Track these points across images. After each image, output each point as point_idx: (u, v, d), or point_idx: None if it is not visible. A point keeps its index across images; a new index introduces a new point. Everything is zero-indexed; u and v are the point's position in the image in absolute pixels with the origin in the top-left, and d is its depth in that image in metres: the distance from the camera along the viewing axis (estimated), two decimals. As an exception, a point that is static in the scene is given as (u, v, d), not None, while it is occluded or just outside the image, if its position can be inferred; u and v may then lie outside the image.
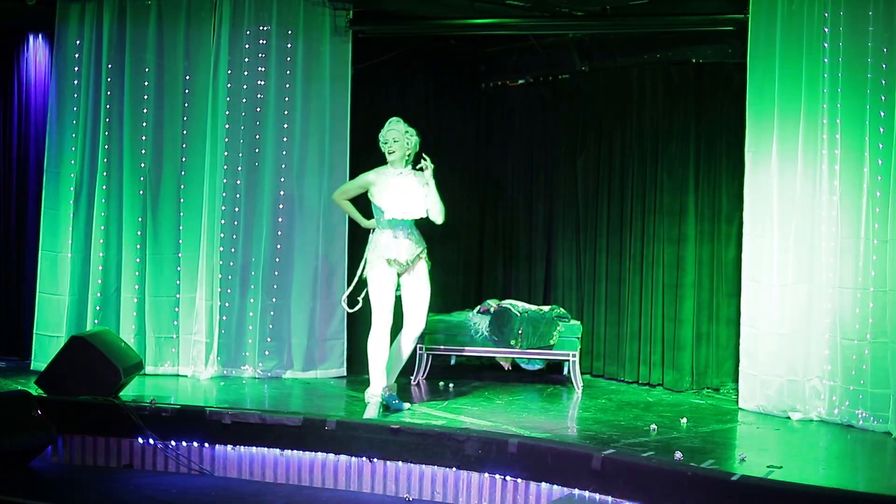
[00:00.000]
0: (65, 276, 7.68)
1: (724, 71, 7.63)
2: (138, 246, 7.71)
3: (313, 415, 6.17)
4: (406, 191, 6.61)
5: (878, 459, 5.78)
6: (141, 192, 7.72)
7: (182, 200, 7.74)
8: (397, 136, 6.63)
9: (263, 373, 7.70)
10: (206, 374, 7.60)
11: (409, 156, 6.71)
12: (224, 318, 7.66)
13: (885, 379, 6.10)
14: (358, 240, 7.30)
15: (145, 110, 7.71)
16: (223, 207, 7.67)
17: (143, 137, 7.71)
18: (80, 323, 7.63)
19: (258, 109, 7.71)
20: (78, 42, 7.74)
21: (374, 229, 6.79)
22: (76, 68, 7.75)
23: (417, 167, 6.64)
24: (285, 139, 7.76)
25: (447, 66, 9.10)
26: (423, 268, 6.73)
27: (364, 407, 6.55)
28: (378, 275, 6.59)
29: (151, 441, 6.29)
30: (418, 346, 7.64)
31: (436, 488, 5.79)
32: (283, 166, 7.76)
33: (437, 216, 6.68)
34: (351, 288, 6.85)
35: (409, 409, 6.51)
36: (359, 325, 8.57)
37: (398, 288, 6.72)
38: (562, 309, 7.71)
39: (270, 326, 7.74)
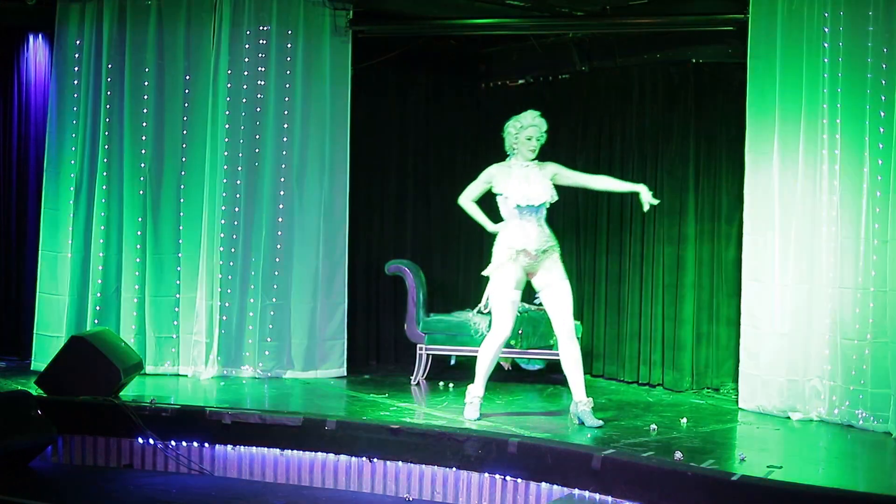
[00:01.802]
0: (65, 276, 7.68)
1: (724, 71, 7.63)
2: (138, 246, 7.71)
3: (313, 415, 6.17)
4: (530, 179, 6.23)
5: (878, 459, 5.78)
6: (141, 192, 7.72)
7: (182, 200, 7.74)
8: (541, 134, 6.30)
9: (263, 373, 7.70)
10: (206, 374, 7.61)
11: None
12: (224, 318, 7.66)
13: (885, 379, 6.10)
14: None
15: (145, 110, 7.71)
16: (223, 207, 7.67)
17: (143, 137, 7.71)
18: (80, 323, 7.63)
19: (258, 109, 7.71)
20: (78, 42, 7.74)
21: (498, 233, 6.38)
22: (76, 68, 7.75)
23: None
24: (285, 139, 7.76)
25: (447, 66, 9.10)
26: (556, 265, 6.25)
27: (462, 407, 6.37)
28: (504, 274, 6.18)
29: (151, 441, 6.29)
30: (418, 346, 7.65)
31: (436, 488, 5.78)
32: (283, 166, 7.76)
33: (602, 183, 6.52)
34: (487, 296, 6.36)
35: (600, 426, 6.10)
36: (359, 325, 8.61)
37: (535, 294, 6.35)
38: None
39: (270, 326, 7.74)
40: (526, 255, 6.19)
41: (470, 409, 6.26)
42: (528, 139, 6.27)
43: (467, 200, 6.46)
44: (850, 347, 6.28)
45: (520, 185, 6.21)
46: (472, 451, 5.64)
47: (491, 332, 6.31)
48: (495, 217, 6.40)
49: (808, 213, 6.53)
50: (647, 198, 6.19)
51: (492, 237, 6.37)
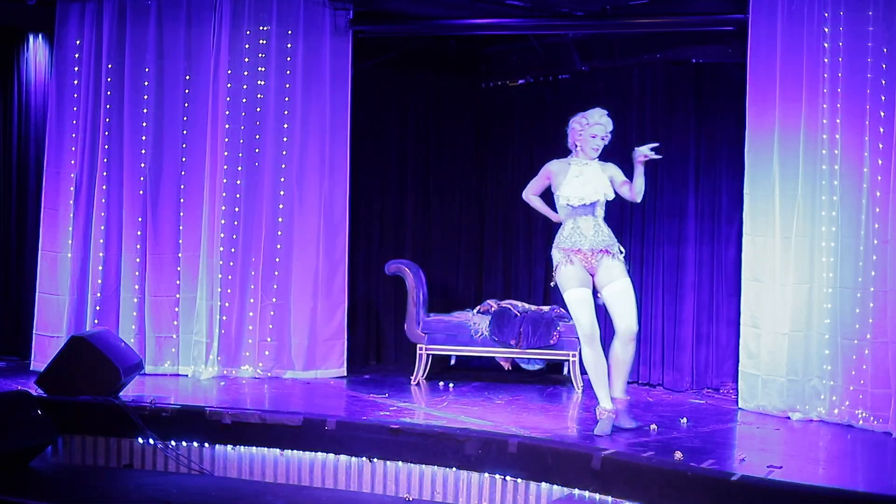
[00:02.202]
0: (65, 276, 7.68)
1: (724, 71, 7.62)
2: (138, 246, 7.71)
3: (313, 415, 6.17)
4: (587, 177, 6.04)
5: (878, 459, 5.78)
6: (141, 192, 7.72)
7: (182, 200, 7.74)
8: (607, 133, 6.09)
9: (263, 373, 7.70)
10: (206, 373, 7.61)
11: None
12: (224, 318, 7.66)
13: (885, 379, 6.10)
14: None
15: (145, 110, 7.71)
16: (223, 207, 7.67)
17: (143, 137, 7.71)
18: (80, 323, 7.63)
19: (258, 109, 7.71)
20: (78, 42, 7.74)
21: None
22: (76, 68, 7.75)
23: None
24: (285, 139, 7.76)
25: (447, 66, 9.10)
26: (617, 264, 6.01)
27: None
28: (567, 276, 5.98)
29: (151, 441, 6.28)
30: (418, 346, 7.65)
31: (436, 488, 5.78)
32: (283, 166, 7.76)
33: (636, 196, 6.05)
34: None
35: (633, 428, 6.01)
36: (359, 325, 8.61)
37: (599, 295, 6.10)
38: (562, 309, 7.70)
39: (270, 326, 7.74)
40: (580, 256, 6.01)
41: (600, 425, 5.95)
42: (593, 137, 6.06)
43: (530, 195, 6.35)
44: (849, 347, 6.28)
45: (573, 182, 6.04)
46: (472, 451, 5.64)
47: (580, 338, 6.09)
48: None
49: (808, 213, 6.53)
50: (643, 150, 5.89)
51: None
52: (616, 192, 6.12)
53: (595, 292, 6.10)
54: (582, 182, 6.03)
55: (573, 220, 6.05)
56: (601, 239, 6.03)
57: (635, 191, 5.99)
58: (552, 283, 6.21)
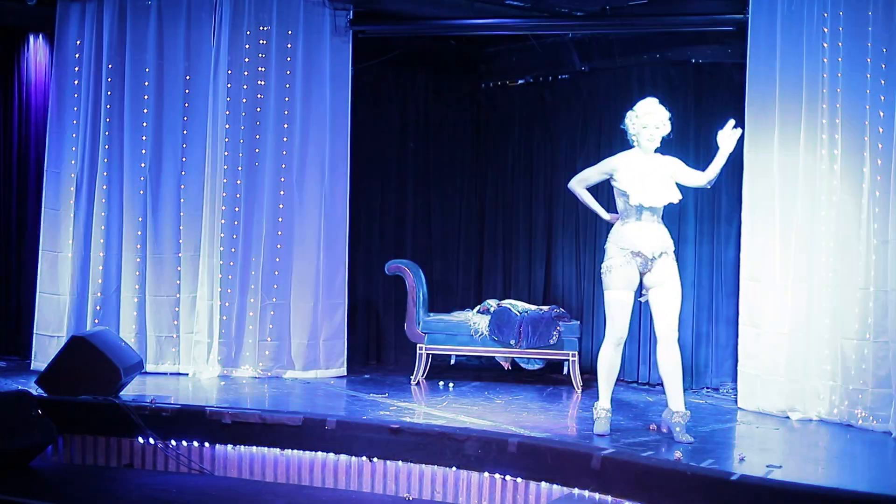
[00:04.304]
0: (65, 276, 7.68)
1: (724, 71, 7.63)
2: (138, 246, 7.72)
3: (313, 415, 6.17)
4: (653, 175, 5.85)
5: (878, 459, 5.78)
6: (141, 192, 7.73)
7: (182, 200, 7.75)
8: (660, 123, 5.86)
9: (263, 373, 7.71)
10: (206, 373, 7.61)
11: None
12: (224, 317, 7.67)
13: (885, 379, 6.10)
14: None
15: (145, 110, 7.72)
16: (223, 207, 7.67)
17: (144, 137, 7.72)
18: (80, 323, 7.64)
19: (258, 109, 7.72)
20: (78, 42, 7.75)
21: (616, 223, 6.05)
22: (76, 68, 7.76)
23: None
24: (285, 139, 7.76)
25: (447, 66, 9.11)
26: (670, 266, 5.87)
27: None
28: (617, 275, 5.84)
29: (151, 441, 6.28)
30: (418, 346, 7.65)
31: (436, 488, 5.78)
32: (283, 166, 7.77)
33: (709, 181, 5.99)
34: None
35: (690, 443, 5.73)
36: (359, 325, 8.62)
37: (643, 293, 5.99)
38: (562, 309, 7.71)
39: (270, 326, 7.75)
40: (641, 258, 5.85)
41: (598, 424, 5.94)
42: (645, 128, 5.86)
43: (579, 186, 6.13)
44: (849, 347, 6.29)
45: (642, 181, 5.83)
46: (472, 450, 5.64)
47: (606, 336, 5.98)
48: (608, 205, 6.23)
49: (807, 212, 6.53)
50: (728, 130, 5.84)
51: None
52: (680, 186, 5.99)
53: (639, 291, 6.02)
54: (651, 182, 5.84)
55: (637, 221, 5.87)
56: (662, 242, 5.89)
57: (711, 175, 5.90)
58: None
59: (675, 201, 5.92)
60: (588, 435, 5.93)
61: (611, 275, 5.90)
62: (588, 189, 6.18)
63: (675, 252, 5.98)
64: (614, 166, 5.96)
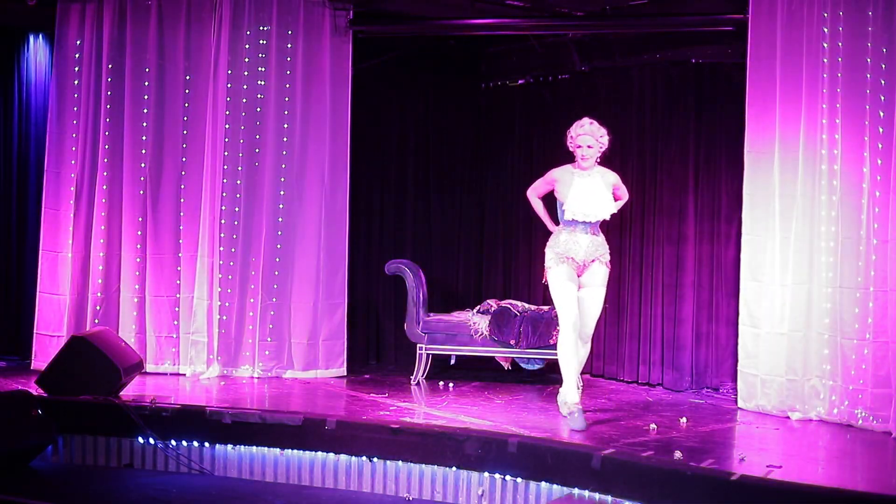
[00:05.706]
0: (65, 276, 7.68)
1: (724, 71, 7.63)
2: (138, 246, 7.72)
3: (313, 415, 6.18)
4: (590, 192, 6.27)
5: (878, 459, 5.78)
6: (141, 192, 7.73)
7: (182, 200, 7.75)
8: (591, 141, 6.26)
9: (263, 373, 7.71)
10: (206, 373, 7.61)
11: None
12: (224, 317, 7.66)
13: (884, 379, 6.10)
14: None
15: (145, 110, 7.72)
16: (223, 207, 7.67)
17: (144, 137, 7.72)
18: (80, 323, 7.64)
19: (258, 109, 7.72)
20: (78, 42, 7.75)
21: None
22: (76, 68, 7.75)
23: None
24: (285, 139, 7.76)
25: (447, 66, 9.11)
26: (601, 273, 6.34)
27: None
28: (557, 273, 6.26)
29: (151, 441, 6.29)
30: (418, 346, 7.65)
31: (436, 488, 5.79)
32: (283, 166, 7.76)
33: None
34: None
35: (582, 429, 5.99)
36: (359, 325, 8.61)
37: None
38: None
39: (270, 326, 7.75)
40: (573, 261, 6.28)
41: (573, 420, 6.06)
42: (578, 147, 6.28)
43: (534, 195, 6.58)
44: (849, 347, 6.29)
45: (578, 197, 6.24)
46: (472, 450, 5.64)
47: (560, 325, 6.30)
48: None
49: (807, 213, 6.53)
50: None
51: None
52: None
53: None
54: (588, 198, 6.24)
55: (572, 231, 6.30)
56: (594, 249, 6.33)
57: (617, 208, 6.40)
58: (544, 281, 6.44)
59: (608, 217, 6.32)
60: (588, 435, 5.92)
61: (551, 273, 6.31)
62: (542, 198, 6.57)
63: (608, 258, 6.38)
64: (556, 178, 6.38)
